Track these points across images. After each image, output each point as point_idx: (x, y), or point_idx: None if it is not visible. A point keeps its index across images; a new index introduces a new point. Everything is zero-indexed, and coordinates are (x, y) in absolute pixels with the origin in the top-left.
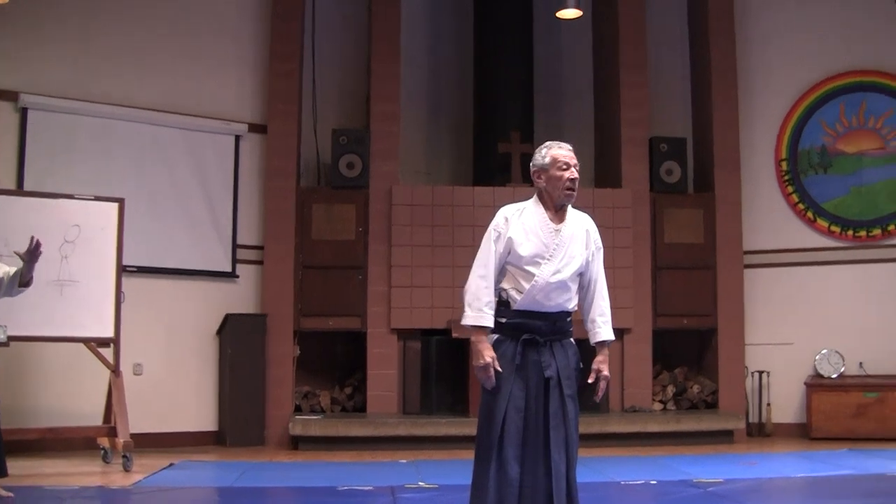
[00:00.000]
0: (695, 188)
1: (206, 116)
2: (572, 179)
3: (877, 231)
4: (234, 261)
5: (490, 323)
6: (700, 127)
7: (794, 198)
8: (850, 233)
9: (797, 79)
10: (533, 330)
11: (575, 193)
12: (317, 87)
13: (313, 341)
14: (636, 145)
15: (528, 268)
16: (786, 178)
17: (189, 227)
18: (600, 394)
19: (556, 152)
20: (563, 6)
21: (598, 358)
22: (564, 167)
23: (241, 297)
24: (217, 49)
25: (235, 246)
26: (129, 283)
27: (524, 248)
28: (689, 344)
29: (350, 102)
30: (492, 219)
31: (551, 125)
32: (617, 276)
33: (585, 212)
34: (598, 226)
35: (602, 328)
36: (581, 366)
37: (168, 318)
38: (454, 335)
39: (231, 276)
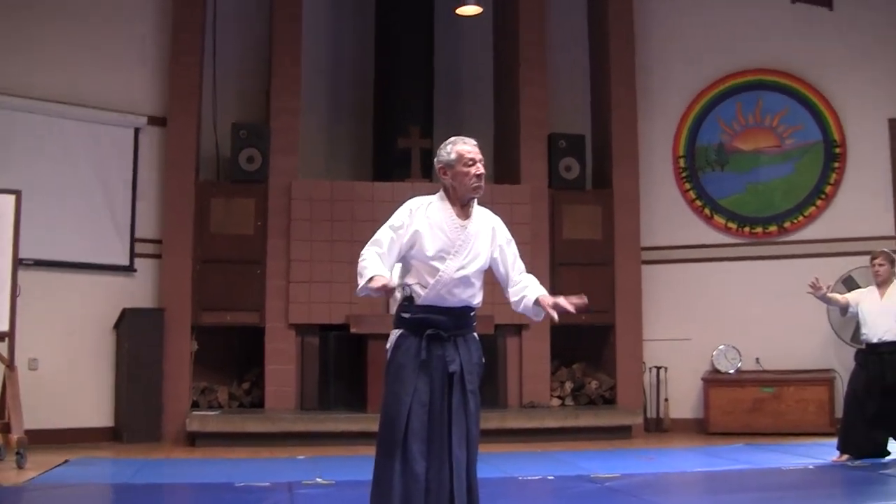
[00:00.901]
0: (593, 185)
1: (105, 108)
2: (479, 175)
3: (773, 228)
4: (133, 254)
5: (384, 271)
6: (599, 124)
7: (692, 194)
8: (747, 229)
9: (695, 77)
10: (437, 325)
11: (482, 189)
12: (217, 81)
13: (211, 336)
14: (535, 142)
15: (433, 263)
16: (683, 174)
17: (87, 220)
18: (575, 302)
19: (461, 148)
20: (463, 3)
21: (546, 297)
22: (470, 163)
23: (138, 291)
24: (117, 40)
25: (133, 239)
26: (25, 276)
27: (430, 243)
28: (587, 340)
29: (250, 97)
30: (394, 212)
31: (451, 121)
32: None
33: (485, 207)
34: None
35: (537, 288)
36: (484, 361)
37: (65, 312)
38: (353, 330)
39: (129, 269)
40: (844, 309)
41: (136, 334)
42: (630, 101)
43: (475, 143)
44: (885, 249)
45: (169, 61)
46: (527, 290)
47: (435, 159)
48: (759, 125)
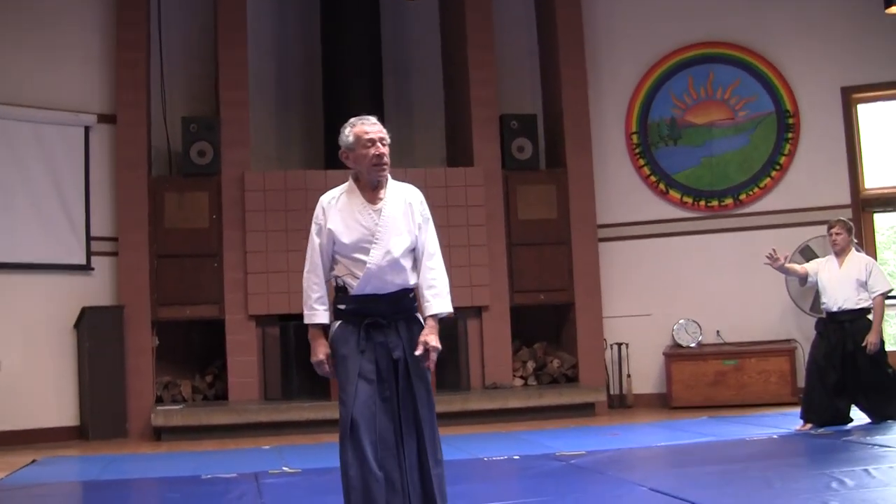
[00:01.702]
0: (547, 164)
1: (53, 108)
2: (378, 155)
3: (728, 200)
4: (89, 253)
5: (321, 319)
6: (550, 103)
7: (646, 170)
8: (703, 203)
9: (645, 52)
10: (374, 313)
11: (386, 168)
12: (165, 76)
13: (172, 331)
14: (487, 124)
15: (356, 255)
16: (637, 150)
17: (41, 221)
18: (431, 365)
19: (359, 129)
20: None
21: (424, 330)
22: (369, 144)
23: (97, 289)
24: (62, 39)
25: (89, 238)
26: None
27: (346, 237)
28: (547, 319)
29: (199, 90)
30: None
31: (401, 106)
32: (472, 255)
33: (438, 192)
34: (451, 205)
35: (431, 301)
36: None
37: (23, 314)
38: None
39: (86, 268)
40: (804, 279)
41: (96, 332)
42: (580, 80)
43: (375, 120)
44: (842, 218)
45: (115, 58)
46: (426, 301)
47: (339, 144)
48: (712, 98)
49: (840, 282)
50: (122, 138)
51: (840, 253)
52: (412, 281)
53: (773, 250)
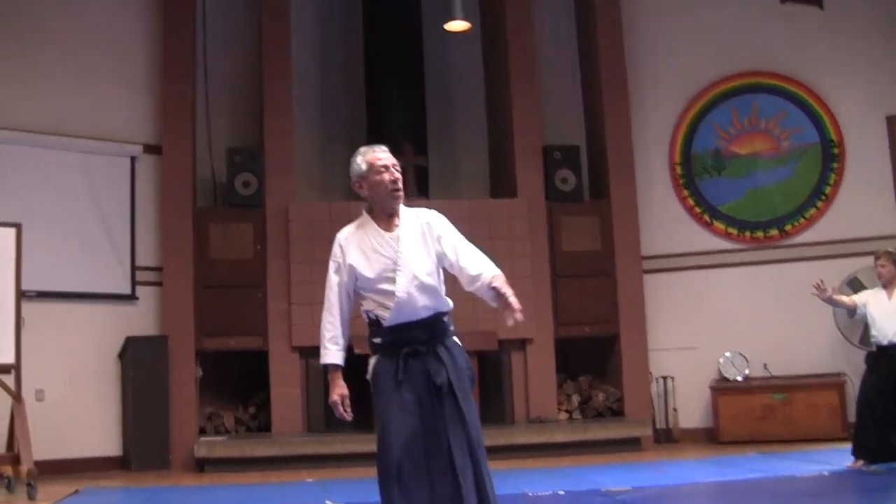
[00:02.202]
0: (591, 195)
1: (100, 139)
2: (394, 180)
3: (774, 232)
4: (134, 283)
5: (333, 359)
6: (593, 134)
7: (691, 201)
8: (748, 234)
9: (688, 82)
10: (411, 341)
11: (401, 194)
12: (210, 107)
13: (215, 361)
14: (530, 154)
15: (382, 286)
16: (681, 181)
17: (87, 251)
18: (517, 314)
19: (370, 157)
20: (451, 18)
21: (495, 286)
22: (383, 169)
23: (141, 319)
24: (109, 70)
25: (134, 268)
26: (28, 308)
27: (369, 270)
28: (592, 352)
29: (244, 120)
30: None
31: (444, 137)
32: (516, 287)
33: (482, 224)
34: (495, 237)
35: (486, 274)
36: (472, 369)
37: (69, 343)
38: (356, 351)
39: (131, 298)
40: (852, 311)
41: (140, 362)
42: (623, 110)
43: (385, 148)
44: (889, 249)
45: (161, 89)
46: (483, 278)
47: (351, 174)
48: (756, 129)
49: (889, 314)
50: (167, 169)
51: (888, 284)
52: (444, 304)
53: (820, 281)
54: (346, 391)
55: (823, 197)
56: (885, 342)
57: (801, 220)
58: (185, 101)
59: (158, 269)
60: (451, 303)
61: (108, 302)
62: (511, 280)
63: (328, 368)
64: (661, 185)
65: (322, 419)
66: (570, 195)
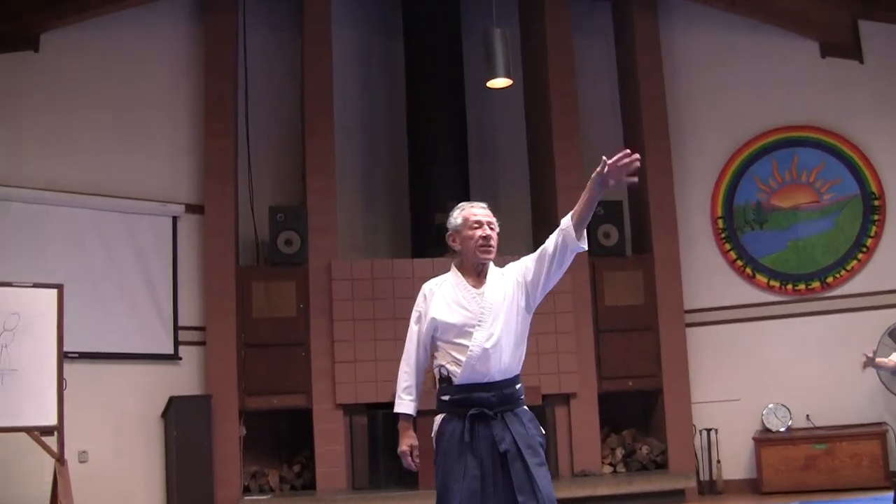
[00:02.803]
0: (633, 250)
1: (142, 199)
2: (485, 237)
3: (816, 284)
4: (177, 342)
5: (406, 409)
6: (636, 189)
7: (733, 255)
8: (790, 287)
9: (729, 136)
10: (479, 403)
11: (491, 252)
12: (252, 165)
13: (259, 420)
14: (572, 210)
15: (458, 340)
16: (723, 235)
17: (130, 311)
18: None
19: (467, 212)
20: (493, 75)
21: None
22: (476, 225)
23: (184, 378)
24: (151, 130)
25: (177, 328)
26: (71, 369)
27: (449, 321)
28: (635, 405)
29: (286, 179)
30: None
31: (487, 193)
32: (560, 342)
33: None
34: None
35: (562, 223)
36: (544, 436)
37: (112, 403)
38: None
39: (174, 358)
40: (894, 370)
41: (183, 422)
42: (665, 165)
43: (485, 205)
44: None
45: (203, 148)
46: (558, 229)
47: (447, 226)
48: (797, 181)
49: None
50: (209, 228)
51: None
52: (517, 366)
53: (864, 355)
54: (416, 441)
55: (864, 248)
56: None
57: (843, 272)
58: (227, 159)
59: (201, 329)
60: (520, 365)
61: (151, 362)
62: (554, 335)
63: (399, 418)
64: (703, 238)
65: (366, 476)
66: (612, 250)
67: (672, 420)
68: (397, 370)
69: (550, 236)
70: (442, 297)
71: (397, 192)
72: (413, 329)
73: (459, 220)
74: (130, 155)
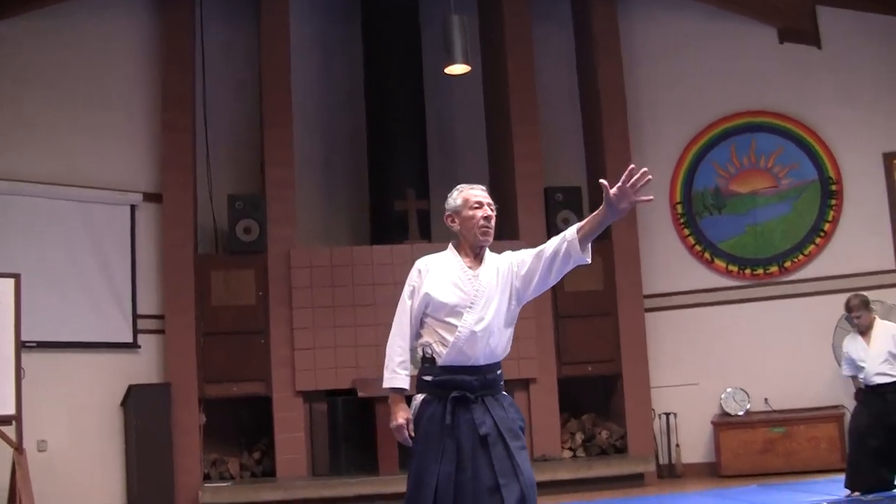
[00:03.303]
0: None
1: (100, 188)
2: (486, 217)
3: (774, 268)
4: (136, 331)
5: (402, 384)
6: (594, 175)
7: (691, 240)
8: (748, 271)
9: (688, 122)
10: (462, 386)
11: (490, 233)
12: (211, 154)
13: (219, 408)
14: (531, 197)
15: (449, 319)
16: (682, 220)
17: (88, 300)
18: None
19: (467, 193)
20: (452, 62)
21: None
22: (477, 206)
23: (144, 367)
24: (109, 119)
25: (136, 316)
26: (29, 358)
27: (442, 299)
28: (595, 390)
29: (245, 167)
30: (403, 273)
31: (446, 181)
32: (520, 328)
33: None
34: None
35: (567, 232)
36: (524, 420)
37: (71, 392)
38: (360, 394)
39: (133, 346)
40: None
41: (143, 410)
42: (624, 151)
43: (483, 188)
44: (857, 294)
45: (162, 137)
46: (562, 236)
47: (445, 207)
48: (755, 167)
49: (873, 358)
50: (168, 217)
51: (865, 331)
52: (501, 351)
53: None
54: (410, 415)
55: (822, 233)
56: (873, 384)
57: (800, 257)
58: (185, 148)
59: (160, 317)
60: (506, 350)
61: (110, 351)
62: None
63: (391, 392)
64: (662, 224)
65: (327, 463)
66: None
67: (631, 404)
68: (357, 357)
69: (552, 240)
70: (437, 274)
71: (356, 180)
72: (406, 303)
73: (459, 201)
74: (89, 144)
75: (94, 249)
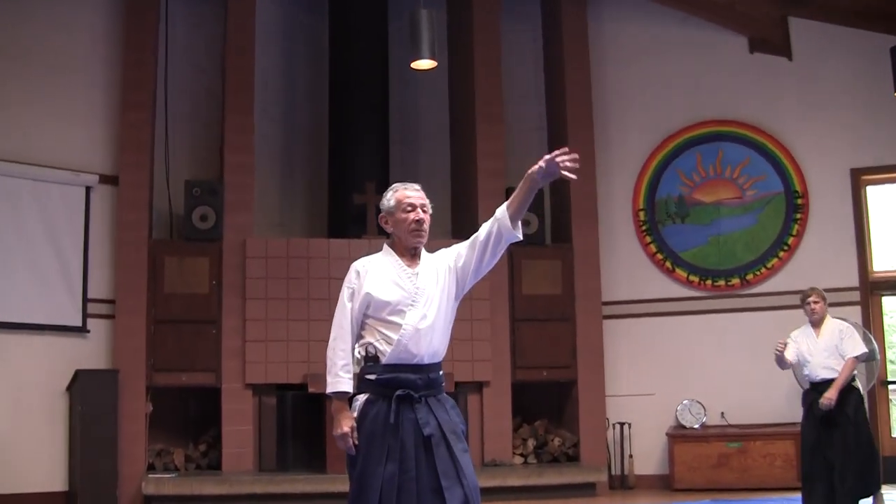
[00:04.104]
0: (552, 239)
1: (54, 167)
2: (418, 220)
3: (735, 280)
4: (85, 315)
5: (346, 388)
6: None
7: (653, 248)
8: (710, 282)
9: (654, 128)
10: (406, 384)
11: (423, 235)
12: (170, 138)
13: (167, 397)
14: (493, 196)
15: (391, 318)
16: (644, 227)
17: (37, 281)
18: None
19: (400, 193)
20: (418, 56)
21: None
22: (409, 208)
23: (91, 352)
24: (66, 97)
25: (86, 300)
26: None
27: (384, 297)
28: (549, 396)
29: (204, 153)
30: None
31: (407, 176)
32: (475, 329)
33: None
34: None
35: (497, 212)
36: (465, 424)
37: (15, 375)
38: (310, 390)
39: (81, 330)
40: (786, 364)
41: (89, 396)
42: (588, 154)
43: (418, 187)
44: (814, 286)
45: (120, 118)
46: (493, 217)
47: (379, 207)
48: (720, 177)
49: (819, 352)
50: (123, 200)
51: (818, 323)
52: (443, 350)
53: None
54: (354, 422)
55: (785, 247)
56: (817, 379)
57: (763, 270)
58: (143, 130)
59: (111, 302)
60: (445, 349)
61: (58, 334)
62: (469, 322)
63: (335, 397)
64: (624, 230)
65: (274, 458)
66: (531, 238)
67: (585, 412)
68: (309, 351)
69: (484, 224)
70: (376, 274)
71: (316, 171)
72: (346, 306)
73: (392, 203)
74: (43, 122)
75: (46, 230)
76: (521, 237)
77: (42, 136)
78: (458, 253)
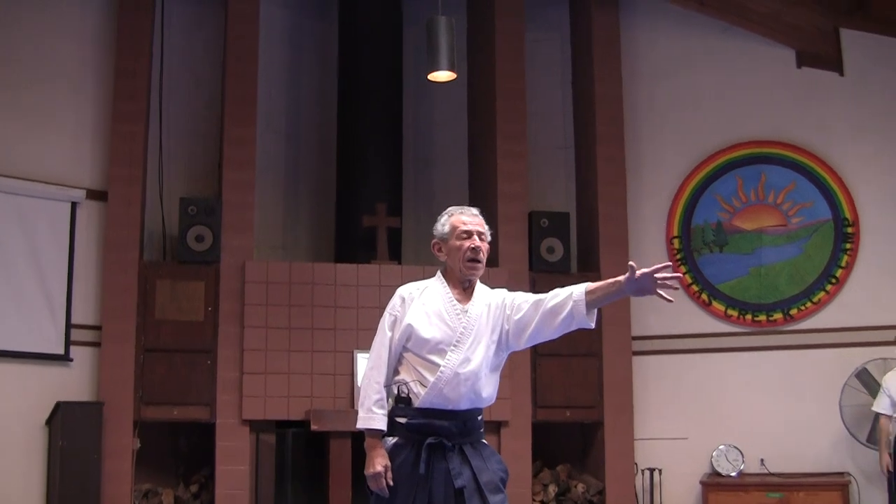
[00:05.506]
0: (579, 267)
1: (37, 180)
2: (474, 249)
3: (778, 315)
4: (68, 342)
5: (380, 425)
6: (584, 201)
7: (688, 278)
8: (749, 317)
9: (691, 149)
10: (439, 431)
11: (480, 266)
12: (164, 152)
13: (156, 432)
14: (514, 220)
15: (431, 357)
16: (678, 256)
17: (16, 304)
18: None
19: (455, 218)
20: (435, 68)
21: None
22: (465, 236)
23: (74, 382)
24: (52, 106)
25: (70, 325)
26: None
27: (426, 334)
28: (572, 438)
29: (201, 168)
30: (367, 296)
31: (421, 197)
32: None
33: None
34: None
35: (576, 290)
36: (507, 472)
37: None
38: (313, 427)
39: (64, 358)
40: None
41: (71, 430)
42: (619, 177)
43: (476, 212)
44: None
45: (110, 129)
46: (574, 290)
47: (434, 232)
48: (763, 202)
49: None
50: (112, 217)
51: None
52: (486, 396)
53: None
54: (388, 461)
55: (834, 280)
56: None
57: (809, 304)
58: (136, 143)
59: (97, 328)
60: (493, 397)
61: (38, 362)
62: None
63: (367, 434)
64: (656, 258)
65: (272, 501)
66: (556, 266)
67: (612, 457)
68: (312, 385)
69: (554, 292)
70: (422, 304)
71: (322, 190)
72: (386, 335)
73: (447, 228)
74: (27, 133)
75: (26, 249)
76: (592, 326)
77: (24, 146)
78: (517, 304)
